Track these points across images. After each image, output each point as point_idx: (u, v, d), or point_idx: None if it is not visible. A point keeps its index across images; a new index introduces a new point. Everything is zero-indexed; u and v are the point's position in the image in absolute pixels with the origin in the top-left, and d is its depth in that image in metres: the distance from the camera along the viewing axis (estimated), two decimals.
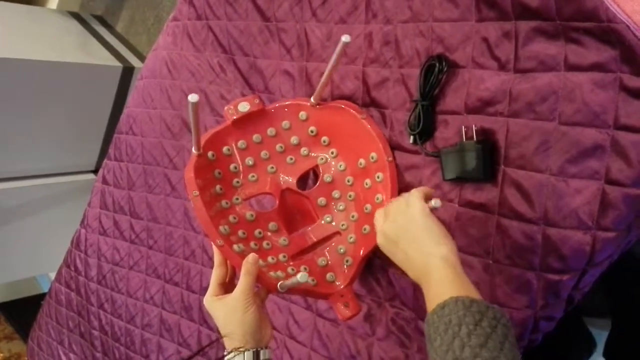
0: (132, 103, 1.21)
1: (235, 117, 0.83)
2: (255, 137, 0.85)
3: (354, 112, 0.79)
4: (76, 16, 2.25)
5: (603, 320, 1.00)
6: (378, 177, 0.78)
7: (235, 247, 0.75)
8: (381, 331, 0.83)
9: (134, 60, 2.05)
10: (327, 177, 0.84)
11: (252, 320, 0.63)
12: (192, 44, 1.07)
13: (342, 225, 0.83)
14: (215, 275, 0.70)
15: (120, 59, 2.02)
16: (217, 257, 0.72)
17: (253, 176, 0.85)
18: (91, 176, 2.14)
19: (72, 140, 2.02)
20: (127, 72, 1.99)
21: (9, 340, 2.34)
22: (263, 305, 0.69)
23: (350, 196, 0.83)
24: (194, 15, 1.05)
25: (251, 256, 0.67)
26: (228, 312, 0.64)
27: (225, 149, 0.84)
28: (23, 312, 2.25)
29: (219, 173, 0.83)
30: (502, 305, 0.70)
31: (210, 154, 0.82)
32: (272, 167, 0.86)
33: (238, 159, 0.85)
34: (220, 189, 0.83)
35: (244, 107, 0.83)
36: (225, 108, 0.84)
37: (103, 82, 1.96)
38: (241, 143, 0.85)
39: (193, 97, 0.62)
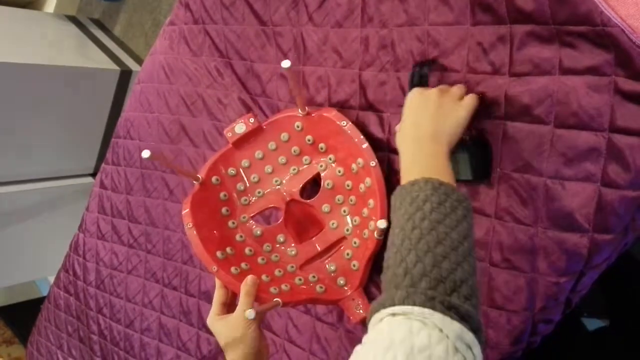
0: (130, 107, 1.21)
1: (234, 139, 0.85)
2: (257, 154, 0.87)
3: (334, 120, 0.80)
4: (73, 20, 2.25)
5: (601, 319, 1.00)
6: (367, 182, 0.79)
7: (232, 269, 0.76)
8: None
9: (131, 64, 2.05)
10: (327, 184, 0.84)
11: (253, 339, 0.65)
12: (189, 48, 1.07)
13: (347, 230, 0.83)
14: (217, 296, 0.72)
15: (118, 62, 2.02)
16: (218, 281, 0.74)
17: (259, 192, 0.87)
18: (89, 179, 2.13)
19: (70, 144, 2.02)
20: (125, 76, 1.99)
21: (8, 345, 2.34)
22: (260, 324, 0.71)
23: (351, 200, 0.83)
24: (191, 19, 1.05)
25: (250, 278, 0.69)
26: (230, 331, 0.66)
27: (230, 170, 0.86)
28: (22, 316, 2.25)
29: (225, 195, 0.86)
30: (501, 308, 0.70)
31: (214, 178, 0.85)
32: (277, 180, 0.87)
33: (244, 177, 0.87)
34: (227, 210, 0.85)
35: (240, 128, 0.85)
36: (225, 132, 0.86)
37: (101, 86, 1.96)
38: (244, 162, 0.87)
39: (145, 153, 0.68)
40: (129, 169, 1.21)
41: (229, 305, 0.72)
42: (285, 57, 0.91)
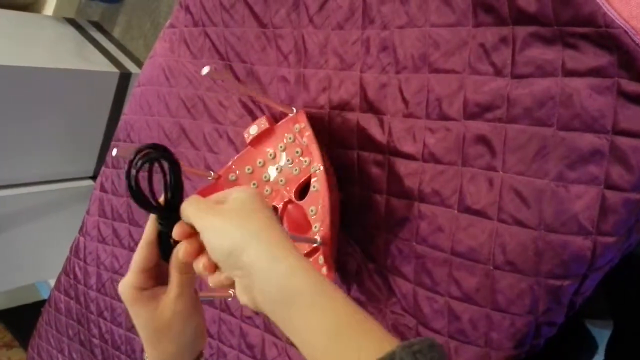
0: (129, 110, 1.20)
1: (250, 140, 0.90)
2: (270, 154, 0.90)
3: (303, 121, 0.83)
4: (72, 22, 2.24)
5: (604, 321, 1.00)
6: (314, 187, 0.82)
7: None
8: None
9: (130, 66, 2.05)
10: (314, 186, 0.85)
11: (190, 337, 0.50)
12: (189, 51, 1.07)
13: None
14: (141, 257, 0.50)
15: (117, 64, 2.02)
16: (147, 232, 0.51)
17: (267, 190, 0.90)
18: (89, 182, 2.13)
19: (69, 147, 2.02)
20: (124, 78, 1.99)
21: (8, 348, 2.33)
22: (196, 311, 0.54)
23: None
24: (191, 21, 1.05)
25: (180, 248, 0.48)
26: (157, 322, 0.49)
27: (246, 168, 0.91)
28: (23, 319, 2.24)
29: None
30: (504, 311, 0.69)
31: (230, 175, 0.90)
32: (282, 180, 0.89)
33: (257, 175, 0.91)
34: None
35: (254, 129, 0.90)
36: (244, 133, 0.91)
37: (100, 88, 1.96)
38: (259, 161, 0.90)
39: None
40: None
41: (152, 278, 0.52)
42: (286, 59, 0.91)
